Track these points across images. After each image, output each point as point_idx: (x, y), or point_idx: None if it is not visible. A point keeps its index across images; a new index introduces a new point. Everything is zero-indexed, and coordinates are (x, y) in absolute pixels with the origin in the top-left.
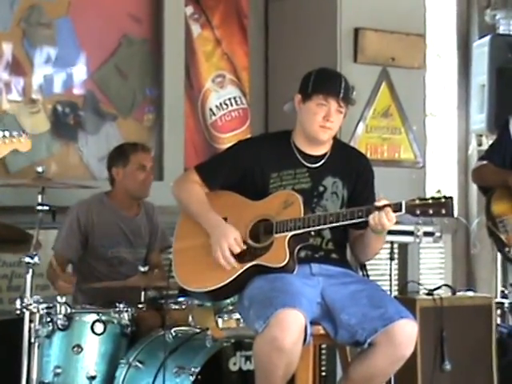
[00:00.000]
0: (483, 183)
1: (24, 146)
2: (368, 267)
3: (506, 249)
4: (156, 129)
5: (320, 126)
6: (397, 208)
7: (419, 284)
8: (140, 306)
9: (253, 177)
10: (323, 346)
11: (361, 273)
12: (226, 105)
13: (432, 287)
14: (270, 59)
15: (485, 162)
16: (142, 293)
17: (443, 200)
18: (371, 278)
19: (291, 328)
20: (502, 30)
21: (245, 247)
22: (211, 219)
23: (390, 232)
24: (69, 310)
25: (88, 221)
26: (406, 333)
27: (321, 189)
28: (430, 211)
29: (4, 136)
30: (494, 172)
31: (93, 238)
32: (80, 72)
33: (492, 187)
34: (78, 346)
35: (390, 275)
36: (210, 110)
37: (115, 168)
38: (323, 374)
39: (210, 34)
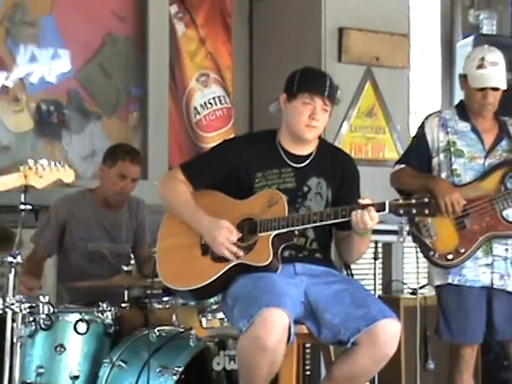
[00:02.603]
0: (403, 187)
1: (68, 176)
2: (352, 266)
3: (431, 253)
4: (140, 128)
5: (306, 124)
6: (380, 208)
7: (403, 283)
8: (123, 305)
9: (238, 176)
10: (307, 345)
11: (345, 272)
12: (211, 104)
13: (416, 286)
14: (254, 58)
15: (403, 166)
16: (126, 292)
17: (426, 200)
18: (355, 277)
19: (275, 327)
20: (485, 30)
21: (240, 234)
22: (199, 218)
23: (374, 231)
24: (51, 310)
25: (67, 215)
26: (390, 332)
27: (305, 189)
28: (414, 211)
29: (49, 164)
30: (413, 176)
31: (71, 231)
32: (64, 71)
33: (411, 191)
34: (61, 345)
35: (374, 274)
36: (195, 109)
37: (103, 164)
38: (307, 373)
39: (195, 33)
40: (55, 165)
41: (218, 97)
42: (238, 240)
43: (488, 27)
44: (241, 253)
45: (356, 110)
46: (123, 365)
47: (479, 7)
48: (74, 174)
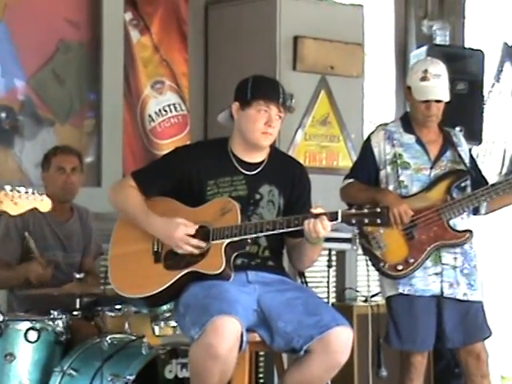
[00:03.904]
0: (352, 201)
1: (45, 205)
2: (306, 274)
3: (381, 264)
4: (95, 135)
5: (262, 132)
6: (333, 217)
7: (357, 291)
8: (75, 313)
9: (190, 184)
10: (261, 353)
11: (299, 280)
12: (166, 111)
13: (369, 294)
14: (209, 66)
15: (351, 180)
16: (78, 300)
17: (378, 210)
18: (310, 285)
19: (227, 335)
20: (438, 40)
21: (197, 226)
22: (152, 220)
23: (328, 239)
24: (1, 318)
25: (24, 224)
26: (342, 340)
27: (257, 196)
28: (366, 220)
29: (27, 192)
30: (361, 189)
31: (28, 240)
32: (17, 77)
33: (361, 204)
34: (11, 354)
35: (328, 282)
36: (149, 116)
37: (42, 173)
38: (261, 381)
39: (149, 40)
40: (33, 193)
41: (174, 104)
42: None
43: (441, 37)
44: (203, 244)
45: (310, 118)
46: (74, 373)
47: (432, 18)
48: (49, 202)
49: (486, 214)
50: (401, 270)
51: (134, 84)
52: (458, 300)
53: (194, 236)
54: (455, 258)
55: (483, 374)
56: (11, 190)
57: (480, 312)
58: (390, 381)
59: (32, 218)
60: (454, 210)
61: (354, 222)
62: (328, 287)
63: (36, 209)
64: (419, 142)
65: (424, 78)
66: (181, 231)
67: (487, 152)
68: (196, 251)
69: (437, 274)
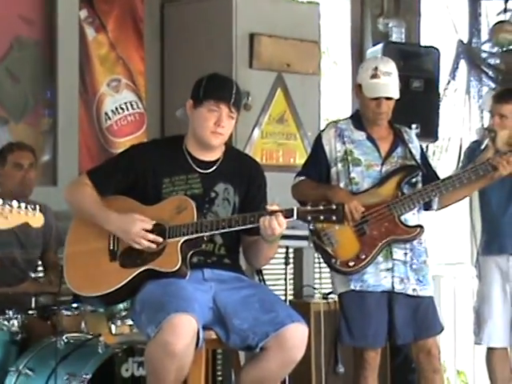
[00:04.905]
0: (304, 198)
1: (36, 221)
2: (264, 271)
3: (333, 260)
4: (50, 133)
5: (211, 131)
6: (288, 214)
7: (314, 288)
8: (31, 312)
9: (145, 182)
10: (219, 350)
11: (257, 278)
12: (122, 109)
13: (327, 291)
14: (166, 64)
15: (303, 178)
16: (33, 299)
17: (334, 207)
18: (267, 282)
19: (183, 333)
20: (394, 37)
21: (154, 222)
22: (107, 215)
23: (285, 237)
24: None
25: None
26: (297, 337)
27: (212, 194)
28: (321, 217)
29: (19, 207)
30: (312, 187)
31: None
32: None
33: (312, 202)
34: None
35: (286, 279)
36: (106, 114)
37: None
38: (219, 378)
39: (105, 38)
40: (26, 207)
41: (130, 102)
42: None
43: (397, 35)
44: (160, 239)
45: (267, 116)
46: (30, 373)
47: (388, 16)
48: (42, 218)
49: (438, 209)
50: (352, 266)
51: (89, 82)
52: (408, 295)
53: (150, 232)
54: (405, 254)
55: (435, 369)
56: (2, 204)
57: (430, 307)
58: (347, 377)
59: None
60: (405, 205)
61: (309, 218)
62: (285, 284)
63: (27, 223)
64: (370, 138)
65: (374, 76)
66: (138, 226)
67: (443, 149)
68: (153, 246)
69: (388, 269)
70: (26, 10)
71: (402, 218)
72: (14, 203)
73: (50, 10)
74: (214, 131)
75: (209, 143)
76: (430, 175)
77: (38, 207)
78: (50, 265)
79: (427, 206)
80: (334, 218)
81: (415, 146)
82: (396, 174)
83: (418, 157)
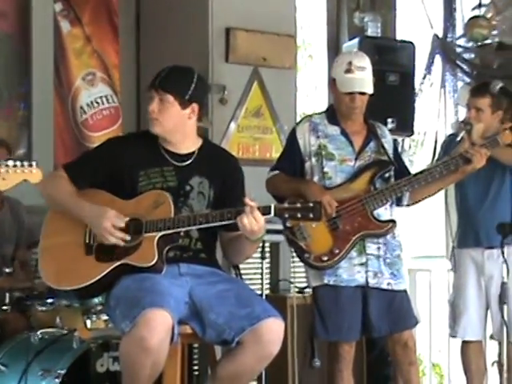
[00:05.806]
0: (277, 192)
1: (35, 176)
2: (240, 266)
3: (306, 255)
4: (25, 127)
5: (149, 119)
6: (266, 211)
7: (290, 282)
8: (4, 308)
9: (121, 174)
10: (195, 345)
11: (233, 272)
12: (98, 103)
13: (303, 285)
14: (141, 57)
15: (276, 172)
16: (7, 294)
17: (311, 204)
18: (244, 277)
19: (158, 328)
20: (370, 32)
21: (127, 219)
22: (82, 206)
23: None
24: None
25: None
26: (273, 331)
27: (187, 188)
28: (299, 215)
29: (15, 165)
30: (286, 181)
31: None
32: None
33: (286, 196)
34: None
35: (262, 274)
36: (81, 108)
37: None
38: (196, 373)
39: (80, 31)
40: (22, 165)
41: (105, 96)
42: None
43: (373, 29)
44: (127, 237)
45: (243, 110)
46: (3, 368)
47: (364, 10)
48: (40, 173)
49: (409, 205)
50: (326, 261)
51: (64, 75)
52: (383, 289)
53: (125, 229)
54: (379, 248)
55: (411, 362)
56: None
57: (405, 301)
58: (323, 371)
59: None
60: (378, 200)
61: (287, 216)
62: (262, 279)
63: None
64: (344, 133)
65: (348, 71)
66: (108, 221)
67: (419, 143)
68: (120, 243)
69: (362, 264)
70: (0, 2)
71: (375, 212)
72: (10, 162)
73: (24, 3)
74: (150, 118)
75: (152, 131)
76: (402, 170)
77: (34, 163)
78: (21, 262)
79: (398, 202)
80: (311, 215)
81: (388, 140)
82: (369, 169)
83: (390, 152)
